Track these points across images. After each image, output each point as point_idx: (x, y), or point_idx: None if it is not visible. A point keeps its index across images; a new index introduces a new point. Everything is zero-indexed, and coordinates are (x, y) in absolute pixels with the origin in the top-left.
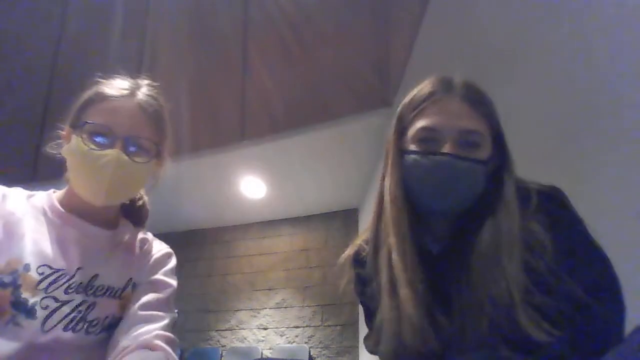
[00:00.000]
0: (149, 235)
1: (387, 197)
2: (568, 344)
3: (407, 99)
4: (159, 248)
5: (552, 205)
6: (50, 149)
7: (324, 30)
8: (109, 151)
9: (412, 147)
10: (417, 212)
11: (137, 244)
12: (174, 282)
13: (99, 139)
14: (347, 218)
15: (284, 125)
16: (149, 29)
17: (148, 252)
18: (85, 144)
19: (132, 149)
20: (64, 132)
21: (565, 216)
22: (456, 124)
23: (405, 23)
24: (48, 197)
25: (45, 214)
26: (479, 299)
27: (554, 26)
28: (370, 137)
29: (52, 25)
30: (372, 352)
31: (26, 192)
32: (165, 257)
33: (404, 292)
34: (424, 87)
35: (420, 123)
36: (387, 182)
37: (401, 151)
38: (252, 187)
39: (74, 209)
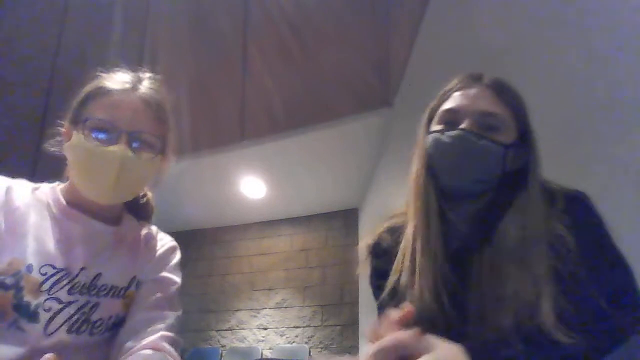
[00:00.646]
0: (153, 229)
1: (412, 177)
2: (585, 349)
3: (440, 92)
4: (163, 243)
5: (578, 209)
6: (49, 146)
7: (324, 30)
8: (114, 147)
9: (434, 128)
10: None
11: (142, 239)
12: (178, 278)
13: (101, 135)
14: (347, 218)
15: (284, 125)
16: (149, 29)
17: (152, 248)
18: (88, 141)
19: (136, 144)
20: (63, 129)
21: (590, 221)
22: (476, 105)
23: (405, 23)
24: (52, 191)
25: (49, 208)
26: (503, 294)
27: (554, 26)
28: (371, 137)
29: (52, 25)
30: None
31: (31, 185)
32: (170, 252)
33: (425, 263)
34: (454, 80)
35: (444, 107)
36: (413, 164)
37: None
38: (252, 187)
39: (77, 204)
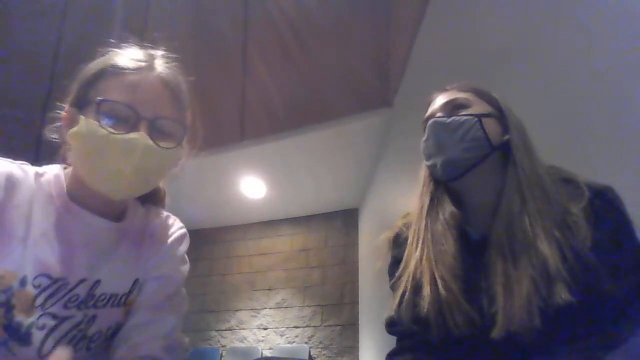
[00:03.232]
0: (161, 217)
1: (419, 181)
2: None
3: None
4: (171, 232)
5: (602, 204)
6: (49, 133)
7: (324, 30)
8: (134, 135)
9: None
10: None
11: (148, 232)
12: (184, 271)
13: (116, 121)
14: (347, 218)
15: (284, 125)
16: (149, 28)
17: (158, 241)
18: (103, 127)
19: (156, 132)
20: (64, 113)
21: (614, 216)
22: (441, 101)
23: (405, 23)
24: (57, 180)
25: (53, 201)
26: (512, 278)
27: (554, 26)
28: (371, 137)
29: (51, 27)
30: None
31: (35, 171)
32: (177, 244)
33: (436, 251)
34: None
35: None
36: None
37: None
38: (252, 187)
39: (80, 195)
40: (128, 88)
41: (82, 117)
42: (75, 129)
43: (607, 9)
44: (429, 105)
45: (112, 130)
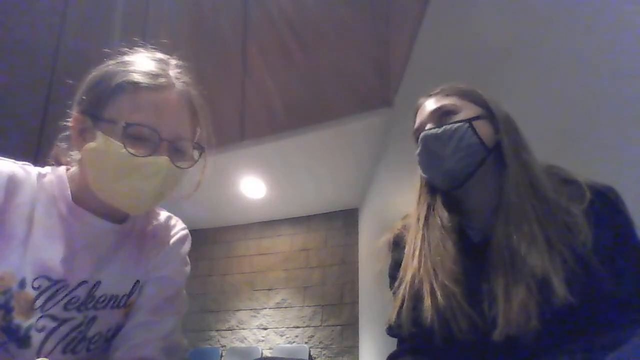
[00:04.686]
0: (163, 218)
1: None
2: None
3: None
4: (173, 233)
5: (605, 205)
6: (60, 141)
7: (324, 30)
8: (158, 159)
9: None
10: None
11: (149, 233)
12: (185, 272)
13: (137, 141)
14: (347, 218)
15: (284, 125)
16: (149, 28)
17: (160, 242)
18: (127, 149)
19: (176, 152)
20: (72, 122)
21: (617, 217)
22: (428, 110)
23: (405, 23)
24: (59, 181)
25: (55, 202)
26: (510, 280)
27: (554, 27)
28: (371, 137)
29: (51, 27)
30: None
31: (37, 171)
32: (178, 245)
33: (435, 258)
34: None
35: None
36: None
37: None
38: (252, 187)
39: (84, 198)
40: (150, 108)
41: (100, 132)
42: (93, 144)
43: (608, 7)
44: (415, 114)
45: (135, 153)
